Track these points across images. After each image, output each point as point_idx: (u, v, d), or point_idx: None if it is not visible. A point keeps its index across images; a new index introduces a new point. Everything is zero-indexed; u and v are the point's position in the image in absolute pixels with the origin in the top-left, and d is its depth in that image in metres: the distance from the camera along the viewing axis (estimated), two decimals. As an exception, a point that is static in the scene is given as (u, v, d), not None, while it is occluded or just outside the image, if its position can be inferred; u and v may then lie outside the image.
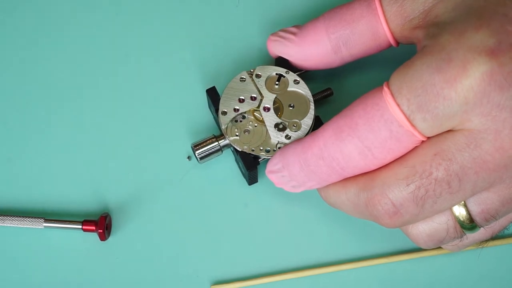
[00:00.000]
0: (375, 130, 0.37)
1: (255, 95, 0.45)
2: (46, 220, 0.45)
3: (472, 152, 0.35)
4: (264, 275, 0.45)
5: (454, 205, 0.38)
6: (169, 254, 0.46)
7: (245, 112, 0.45)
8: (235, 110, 0.45)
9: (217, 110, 0.45)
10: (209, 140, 0.45)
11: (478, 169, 0.35)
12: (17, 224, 0.45)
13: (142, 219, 0.46)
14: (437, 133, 0.36)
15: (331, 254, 0.46)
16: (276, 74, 0.45)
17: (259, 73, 0.45)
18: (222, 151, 0.45)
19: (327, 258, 0.46)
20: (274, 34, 0.46)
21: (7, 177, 0.47)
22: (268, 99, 0.45)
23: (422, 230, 0.40)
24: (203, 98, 0.48)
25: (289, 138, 0.44)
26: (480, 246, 0.43)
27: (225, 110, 0.44)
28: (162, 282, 0.45)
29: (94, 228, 0.45)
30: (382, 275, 0.45)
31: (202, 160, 0.45)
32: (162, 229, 0.46)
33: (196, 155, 0.45)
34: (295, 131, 0.44)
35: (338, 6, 0.44)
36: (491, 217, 0.38)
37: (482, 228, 0.39)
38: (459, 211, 0.38)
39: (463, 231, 0.39)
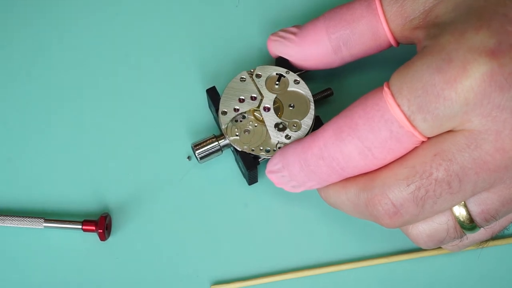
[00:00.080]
0: (375, 130, 0.37)
1: (255, 95, 0.45)
2: (46, 220, 0.45)
3: (473, 153, 0.35)
4: (264, 275, 0.45)
5: (454, 205, 0.38)
6: (169, 254, 0.46)
7: (245, 112, 0.45)
8: (235, 110, 0.45)
9: (217, 110, 0.45)
10: (209, 140, 0.45)
11: (479, 170, 0.35)
12: (17, 224, 0.45)
13: (142, 219, 0.46)
14: (438, 133, 0.36)
15: (331, 254, 0.46)
16: (276, 74, 0.45)
17: (259, 73, 0.45)
18: (222, 151, 0.45)
19: (327, 258, 0.46)
20: (274, 34, 0.46)
21: (7, 177, 0.47)
22: (268, 99, 0.45)
23: (422, 230, 0.40)
24: (203, 98, 0.48)
25: (289, 138, 0.44)
26: (480, 246, 0.43)
27: (225, 110, 0.44)
28: (162, 282, 0.45)
29: (94, 228, 0.45)
30: (382, 275, 0.45)
31: (202, 160, 0.45)
32: (162, 229, 0.46)
33: (196, 155, 0.45)
34: (295, 131, 0.44)
35: (338, 6, 0.44)
36: (491, 218, 0.38)
37: (482, 228, 0.39)
38: (459, 212, 0.38)
39: (463, 232, 0.39)
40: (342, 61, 0.45)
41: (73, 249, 0.46)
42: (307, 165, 0.40)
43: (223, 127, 0.44)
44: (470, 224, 0.38)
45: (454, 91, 0.34)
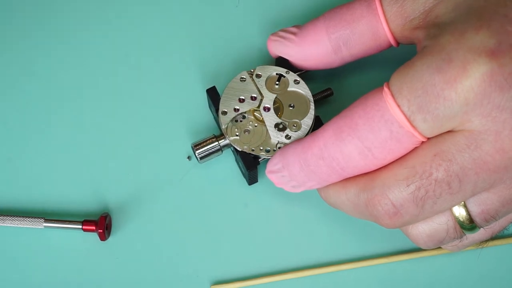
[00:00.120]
0: (375, 130, 0.37)
1: (255, 95, 0.45)
2: (46, 220, 0.45)
3: (472, 153, 0.35)
4: (264, 275, 0.45)
5: (454, 205, 0.38)
6: (169, 254, 0.46)
7: (245, 112, 0.45)
8: (235, 110, 0.45)
9: (217, 110, 0.45)
10: (209, 140, 0.45)
11: (478, 170, 0.35)
12: (17, 224, 0.45)
13: (142, 219, 0.46)
14: (437, 133, 0.36)
15: (331, 254, 0.46)
16: (276, 74, 0.45)
17: (259, 73, 0.45)
18: (222, 151, 0.45)
19: (327, 258, 0.46)
20: (274, 34, 0.46)
21: (7, 177, 0.47)
22: (268, 99, 0.45)
23: (422, 230, 0.40)
24: (203, 98, 0.48)
25: (289, 138, 0.44)
26: (480, 246, 0.43)
27: (225, 110, 0.44)
28: (162, 282, 0.45)
29: (94, 228, 0.45)
30: (382, 275, 0.45)
31: (202, 160, 0.45)
32: (162, 229, 0.46)
33: (196, 155, 0.45)
34: (295, 131, 0.44)
35: (338, 6, 0.44)
36: (491, 218, 0.38)
37: (482, 228, 0.39)
38: (459, 212, 0.38)
39: (463, 232, 0.39)
40: (342, 61, 0.45)
41: (73, 249, 0.46)
42: (307, 165, 0.40)
43: (223, 127, 0.44)
44: (470, 225, 0.38)
45: (454, 91, 0.34)
